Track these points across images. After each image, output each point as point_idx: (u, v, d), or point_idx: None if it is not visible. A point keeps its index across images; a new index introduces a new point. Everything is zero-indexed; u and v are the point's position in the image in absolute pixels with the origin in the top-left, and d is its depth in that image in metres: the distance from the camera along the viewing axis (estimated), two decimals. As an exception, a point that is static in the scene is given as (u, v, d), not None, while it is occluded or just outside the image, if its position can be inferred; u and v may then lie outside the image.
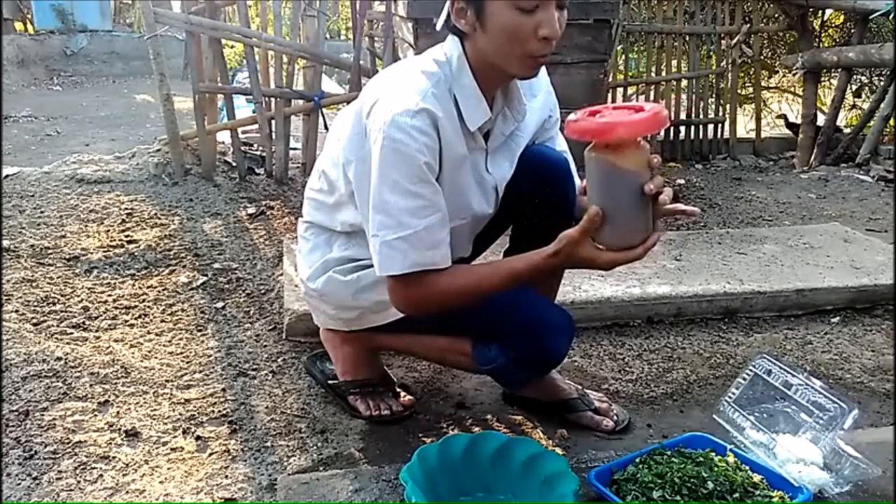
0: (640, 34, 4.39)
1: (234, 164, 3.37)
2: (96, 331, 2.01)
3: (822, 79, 4.85)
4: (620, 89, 4.44)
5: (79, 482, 1.41)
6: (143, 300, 2.20)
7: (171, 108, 3.16)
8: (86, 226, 2.72)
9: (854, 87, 5.07)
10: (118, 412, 1.64)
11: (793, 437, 1.38)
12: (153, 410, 1.65)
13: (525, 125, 1.47)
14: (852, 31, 4.50)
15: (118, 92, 8.05)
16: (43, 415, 1.60)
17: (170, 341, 1.98)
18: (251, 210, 2.99)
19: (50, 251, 2.48)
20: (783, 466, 1.33)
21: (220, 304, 2.20)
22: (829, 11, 4.82)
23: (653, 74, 4.37)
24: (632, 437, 1.60)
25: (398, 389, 1.70)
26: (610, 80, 4.06)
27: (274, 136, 3.33)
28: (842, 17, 5.02)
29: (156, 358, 1.88)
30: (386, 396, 1.66)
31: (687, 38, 4.39)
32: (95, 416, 1.62)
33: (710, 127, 4.53)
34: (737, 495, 1.26)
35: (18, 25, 9.50)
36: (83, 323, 2.04)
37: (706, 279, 2.26)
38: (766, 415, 1.47)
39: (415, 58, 1.42)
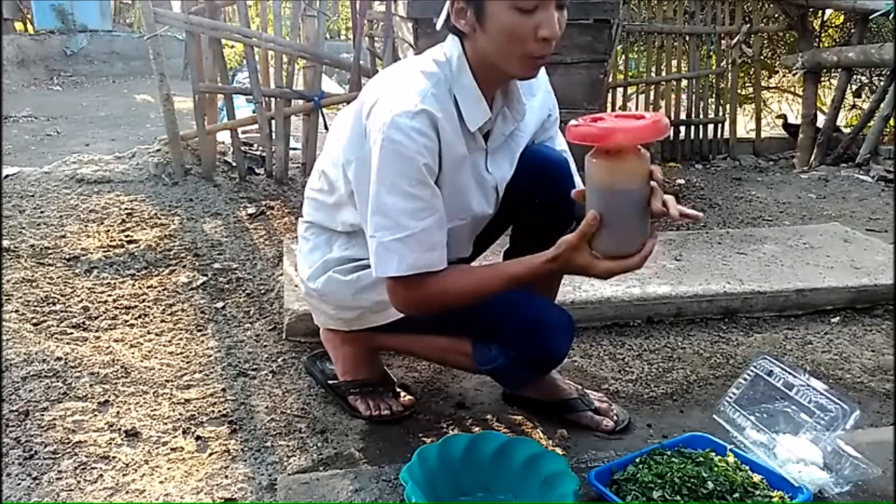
0: (640, 34, 4.39)
1: (234, 164, 3.37)
2: (96, 331, 2.01)
3: (822, 79, 4.85)
4: (620, 89, 4.44)
5: (79, 482, 1.41)
6: (143, 300, 2.20)
7: (171, 108, 3.16)
8: (86, 226, 2.72)
9: (854, 87, 5.07)
10: (118, 412, 1.64)
11: (793, 437, 1.38)
12: (153, 410, 1.65)
13: (525, 125, 1.47)
14: (852, 31, 4.50)
15: (118, 92, 8.05)
16: (43, 415, 1.60)
17: (170, 341, 1.98)
18: (251, 210, 2.99)
19: (50, 251, 2.48)
20: (783, 466, 1.33)
21: (220, 304, 2.20)
22: (829, 11, 4.82)
23: (653, 74, 4.37)
24: (632, 437, 1.60)
25: (398, 389, 1.70)
26: (610, 80, 4.07)
27: (274, 136, 3.33)
28: (842, 17, 5.03)
29: (156, 358, 1.88)
30: (386, 396, 1.66)
31: (687, 38, 4.39)
32: (95, 416, 1.62)
33: (710, 127, 4.53)
34: (737, 495, 1.26)
35: (18, 25, 9.50)
36: (83, 323, 2.04)
37: (706, 279, 2.26)
38: (766, 415, 1.47)
39: (414, 58, 1.42)
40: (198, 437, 1.56)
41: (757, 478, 1.32)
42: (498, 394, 1.75)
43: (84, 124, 6.03)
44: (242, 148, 3.38)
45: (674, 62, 4.43)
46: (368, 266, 1.37)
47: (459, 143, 1.33)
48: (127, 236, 2.63)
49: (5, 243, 2.47)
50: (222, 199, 3.06)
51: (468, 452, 1.35)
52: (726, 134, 4.57)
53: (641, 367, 1.92)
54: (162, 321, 2.09)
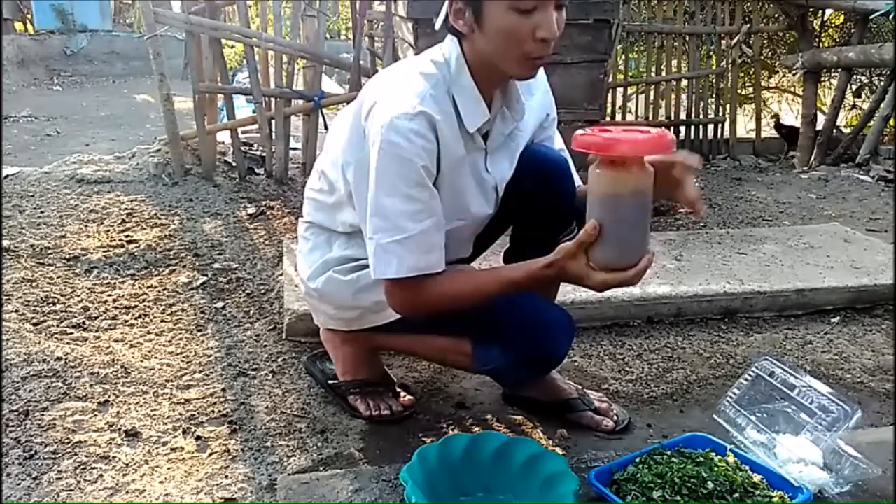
0: (640, 34, 4.40)
1: (234, 164, 3.37)
2: (96, 331, 2.01)
3: (822, 79, 4.85)
4: (620, 89, 4.44)
5: (79, 482, 1.41)
6: (143, 300, 2.20)
7: (171, 108, 3.16)
8: (86, 226, 2.72)
9: (854, 87, 5.07)
10: (118, 412, 1.64)
11: (793, 437, 1.38)
12: (153, 410, 1.65)
13: (524, 124, 1.47)
14: (852, 31, 4.50)
15: (118, 92, 8.06)
16: (43, 415, 1.60)
17: (170, 341, 1.98)
18: (251, 210, 2.99)
19: (50, 251, 2.48)
20: (783, 466, 1.33)
21: (220, 304, 2.20)
22: (829, 11, 4.82)
23: (653, 74, 4.37)
24: (632, 437, 1.60)
25: (398, 389, 1.70)
26: (610, 80, 4.07)
27: (274, 136, 3.33)
28: (842, 17, 5.03)
29: (156, 358, 1.88)
30: (386, 396, 1.66)
31: (687, 38, 4.39)
32: (95, 416, 1.62)
33: (710, 127, 4.53)
34: (737, 495, 1.26)
35: (18, 25, 9.50)
36: (83, 323, 2.04)
37: (706, 279, 2.26)
38: (766, 415, 1.47)
39: (413, 59, 1.42)
40: (198, 437, 1.56)
41: (757, 478, 1.32)
42: (498, 394, 1.75)
43: (84, 124, 6.03)
44: (242, 148, 3.38)
45: (674, 62, 4.43)
46: (368, 266, 1.37)
47: (458, 145, 1.33)
48: (127, 236, 2.63)
49: (5, 243, 2.47)
50: (222, 199, 3.07)
51: (468, 452, 1.35)
52: (726, 134, 4.57)
53: (641, 367, 1.92)
54: (162, 321, 2.09)
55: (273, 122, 3.32)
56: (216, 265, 2.46)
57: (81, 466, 1.45)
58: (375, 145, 1.26)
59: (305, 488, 1.34)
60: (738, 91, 4.76)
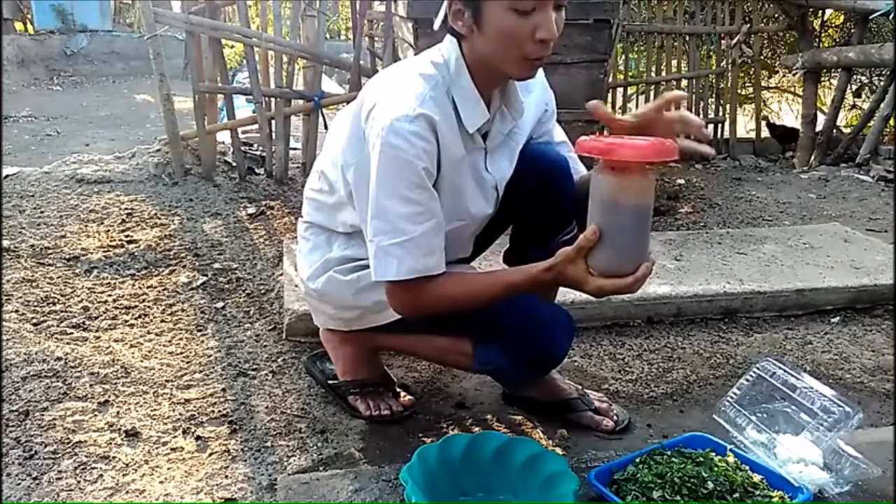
0: (640, 34, 4.39)
1: (234, 164, 3.37)
2: (96, 331, 2.01)
3: (822, 79, 4.85)
4: (620, 89, 4.44)
5: (79, 482, 1.41)
6: (143, 300, 2.20)
7: (171, 108, 3.16)
8: (86, 226, 2.72)
9: (854, 87, 5.07)
10: (118, 412, 1.64)
11: (793, 437, 1.38)
12: (153, 410, 1.65)
13: (523, 122, 1.47)
14: (852, 31, 4.50)
15: (118, 92, 8.05)
16: (43, 415, 1.60)
17: (170, 341, 1.98)
18: (251, 210, 2.99)
19: (50, 251, 2.48)
20: (783, 466, 1.33)
21: (220, 304, 2.20)
22: (829, 11, 4.82)
23: (653, 74, 4.37)
24: (632, 437, 1.60)
25: (398, 389, 1.70)
26: (610, 80, 4.06)
27: (274, 136, 3.33)
28: (842, 17, 5.03)
29: (156, 358, 1.88)
30: (386, 396, 1.66)
31: (687, 38, 4.39)
32: (95, 416, 1.62)
33: (710, 127, 4.52)
34: (737, 495, 1.26)
35: (18, 25, 9.49)
36: (83, 323, 2.04)
37: (706, 279, 2.26)
38: (766, 415, 1.47)
39: (412, 59, 1.42)
40: (198, 437, 1.56)
41: (757, 478, 1.32)
42: (498, 394, 1.75)
43: (84, 124, 6.03)
44: (242, 148, 3.38)
45: (674, 62, 4.43)
46: (368, 266, 1.37)
47: (458, 145, 1.33)
48: (127, 236, 2.63)
49: (5, 243, 2.47)
50: (222, 199, 3.07)
51: (468, 452, 1.35)
52: (726, 134, 4.56)
53: (641, 367, 1.92)
54: (162, 321, 2.09)
55: (273, 122, 3.32)
56: (216, 265, 2.46)
57: (81, 466, 1.45)
58: (376, 148, 1.26)
59: (305, 488, 1.34)
60: (738, 91, 4.76)
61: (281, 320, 2.05)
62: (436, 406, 1.71)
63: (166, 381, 1.77)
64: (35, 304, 2.12)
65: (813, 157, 4.34)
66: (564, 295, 1.98)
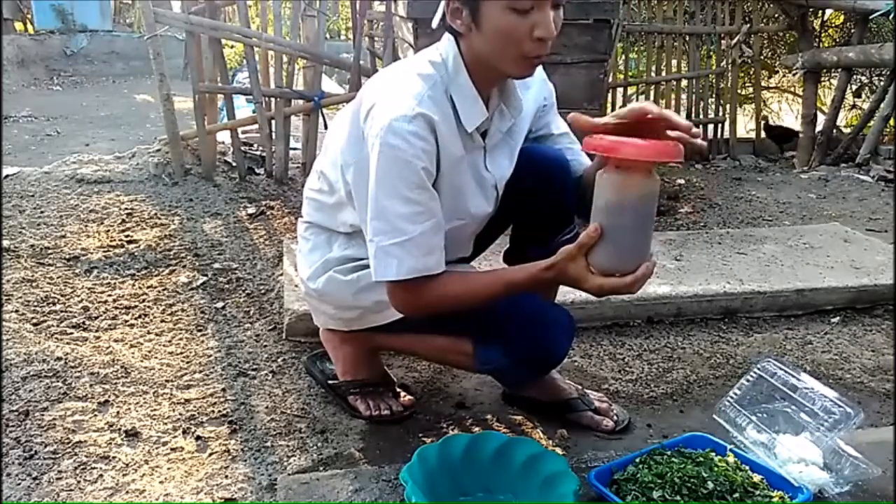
0: (640, 34, 4.39)
1: (234, 164, 3.37)
2: (96, 331, 2.01)
3: (822, 79, 4.85)
4: (620, 89, 4.44)
5: (79, 482, 1.41)
6: (143, 300, 2.20)
7: (171, 108, 3.16)
8: (86, 226, 2.72)
9: (854, 87, 5.07)
10: (118, 412, 1.64)
11: (793, 437, 1.38)
12: (153, 410, 1.65)
13: (522, 119, 1.47)
14: (852, 31, 4.50)
15: (118, 92, 8.05)
16: (43, 415, 1.60)
17: (170, 341, 1.98)
18: (251, 210, 2.99)
19: (50, 251, 2.48)
20: (783, 466, 1.33)
21: (220, 304, 2.20)
22: (829, 11, 4.82)
23: (653, 74, 4.37)
24: (632, 437, 1.60)
25: (398, 389, 1.70)
26: (610, 80, 4.06)
27: (274, 136, 3.33)
28: (842, 17, 5.03)
29: (156, 358, 1.88)
30: (386, 396, 1.66)
31: (687, 38, 4.39)
32: (95, 416, 1.62)
33: (710, 127, 4.53)
34: (737, 495, 1.26)
35: (18, 25, 9.49)
36: (83, 323, 2.04)
37: (706, 279, 2.26)
38: (766, 415, 1.47)
39: (410, 59, 1.42)
40: (198, 437, 1.56)
41: (757, 478, 1.32)
42: (498, 394, 1.75)
43: (84, 124, 6.03)
44: (242, 148, 3.38)
45: (674, 62, 4.43)
46: (368, 266, 1.37)
47: (457, 144, 1.33)
48: (127, 236, 2.63)
49: (5, 243, 2.47)
50: (222, 199, 3.07)
51: (468, 452, 1.35)
52: (726, 134, 4.56)
53: (641, 367, 1.92)
54: (162, 321, 2.09)
55: (273, 122, 3.31)
56: (216, 265, 2.46)
57: (81, 466, 1.45)
58: (375, 148, 1.26)
59: (305, 488, 1.34)
60: (738, 91, 4.76)
61: (281, 320, 2.05)
62: (436, 406, 1.71)
63: (166, 381, 1.77)
64: (35, 304, 2.12)
65: (813, 157, 4.34)
66: (564, 295, 1.98)
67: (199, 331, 2.04)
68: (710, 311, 2.19)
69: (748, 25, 4.44)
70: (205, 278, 2.35)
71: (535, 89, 1.50)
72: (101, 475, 1.43)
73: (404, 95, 1.28)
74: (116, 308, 2.14)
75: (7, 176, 3.12)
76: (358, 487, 1.33)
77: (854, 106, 5.28)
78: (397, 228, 1.27)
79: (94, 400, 1.68)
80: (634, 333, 2.10)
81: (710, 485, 1.26)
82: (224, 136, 3.51)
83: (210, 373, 1.82)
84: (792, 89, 5.68)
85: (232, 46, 5.15)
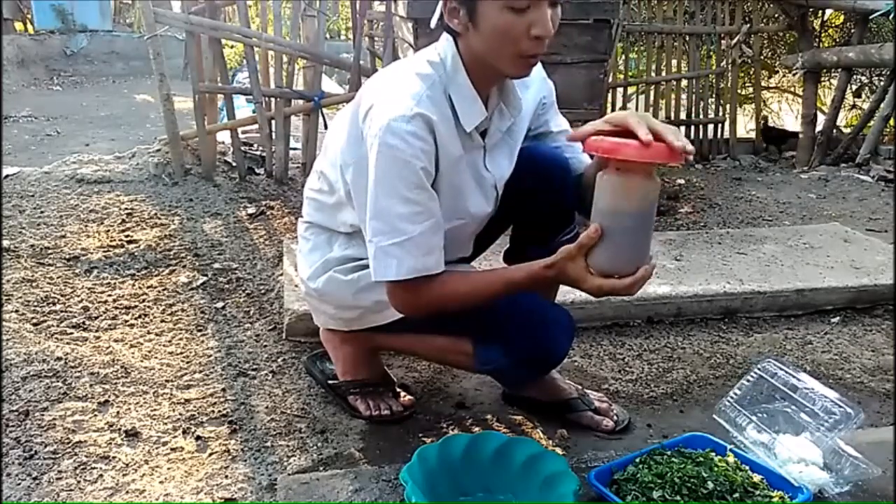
0: (640, 34, 4.39)
1: (234, 164, 3.37)
2: (96, 331, 2.01)
3: (822, 79, 4.85)
4: (620, 89, 4.44)
5: (79, 482, 1.41)
6: (143, 300, 2.20)
7: (171, 108, 3.16)
8: (86, 226, 2.72)
9: (854, 87, 5.07)
10: (118, 412, 1.64)
11: (793, 437, 1.38)
12: (153, 410, 1.65)
13: (521, 118, 1.47)
14: (852, 31, 4.50)
15: (118, 92, 8.05)
16: (43, 415, 1.60)
17: (170, 341, 1.98)
18: (251, 210, 2.99)
19: (50, 251, 2.48)
20: (783, 466, 1.33)
21: (220, 304, 2.20)
22: (829, 11, 4.82)
23: (653, 74, 4.37)
24: (632, 437, 1.60)
25: (398, 389, 1.70)
26: (610, 80, 4.06)
27: (274, 136, 3.33)
28: (842, 17, 5.03)
29: (156, 358, 1.88)
30: (386, 396, 1.66)
31: (687, 38, 4.39)
32: (95, 416, 1.62)
33: (710, 127, 4.53)
34: (737, 495, 1.26)
35: (18, 25, 9.50)
36: (83, 323, 2.04)
37: (706, 279, 2.26)
38: (766, 415, 1.47)
39: (409, 59, 1.42)
40: (198, 437, 1.56)
41: (757, 478, 1.32)
42: (498, 394, 1.75)
43: (84, 124, 6.03)
44: (242, 148, 3.38)
45: (674, 62, 4.43)
46: (369, 266, 1.37)
47: (456, 144, 1.33)
48: (127, 236, 2.63)
49: (5, 243, 2.47)
50: (222, 199, 3.06)
51: (468, 452, 1.35)
52: (726, 134, 4.57)
53: (641, 367, 1.92)
54: (162, 321, 2.09)
55: (273, 122, 3.32)
56: (216, 265, 2.46)
57: (81, 466, 1.45)
58: (373, 148, 1.26)
59: (305, 488, 1.34)
60: (738, 91, 4.76)
61: (281, 320, 2.05)
62: (436, 406, 1.71)
63: (166, 381, 1.77)
64: (35, 304, 2.12)
65: (813, 157, 4.34)
66: (564, 295, 1.98)
67: (199, 331, 2.04)
68: (710, 311, 2.19)
69: (748, 25, 4.44)
70: (205, 278, 2.35)
71: (535, 88, 1.50)
72: (101, 475, 1.43)
73: (403, 96, 1.28)
74: (116, 308, 2.14)
75: (7, 176, 3.12)
76: (358, 487, 1.34)
77: (854, 106, 5.28)
78: (396, 229, 1.27)
79: (94, 400, 1.68)
80: (634, 333, 2.10)
81: (710, 485, 1.26)
82: (224, 136, 3.51)
83: (210, 373, 1.82)
84: (792, 89, 5.68)
85: (232, 46, 5.15)
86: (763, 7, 4.74)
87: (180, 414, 1.64)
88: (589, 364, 1.92)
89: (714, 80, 4.48)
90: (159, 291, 2.26)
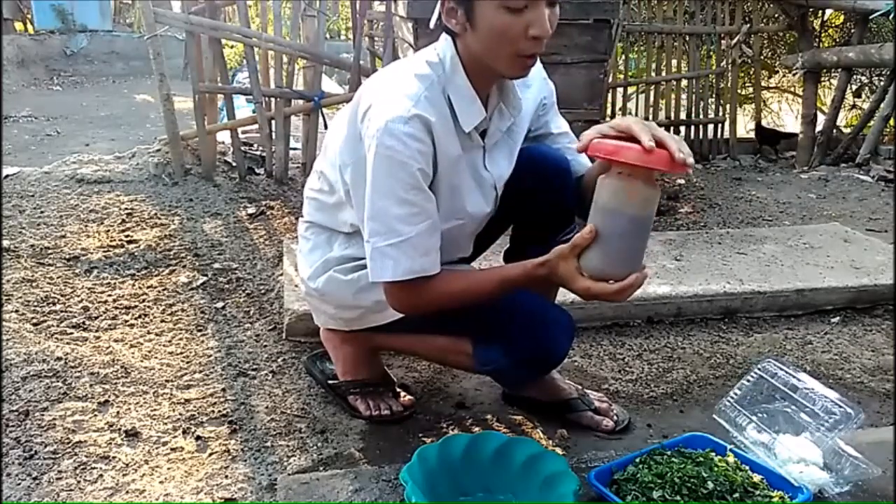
0: (640, 34, 4.39)
1: (234, 164, 3.37)
2: (96, 331, 2.01)
3: (822, 79, 4.85)
4: (620, 89, 4.44)
5: (79, 482, 1.41)
6: (143, 300, 2.20)
7: (171, 108, 3.16)
8: (86, 226, 2.72)
9: (854, 87, 5.07)
10: (118, 412, 1.64)
11: (793, 437, 1.38)
12: (153, 410, 1.65)
13: (521, 118, 1.47)
14: (852, 31, 4.50)
15: (118, 92, 8.05)
16: (43, 415, 1.60)
17: (170, 341, 1.98)
18: (251, 210, 2.99)
19: (50, 251, 2.48)
20: (783, 466, 1.33)
21: (220, 304, 2.20)
22: (829, 11, 4.82)
23: (653, 74, 4.37)
24: (632, 437, 1.60)
25: (398, 389, 1.70)
26: (610, 80, 4.07)
27: (274, 136, 3.33)
28: (842, 17, 5.03)
29: (156, 358, 1.88)
30: (386, 396, 1.66)
31: (687, 38, 4.39)
32: (95, 416, 1.62)
33: (710, 127, 4.53)
34: (737, 495, 1.26)
35: (18, 25, 9.50)
36: (83, 323, 2.04)
37: (706, 279, 2.26)
38: (766, 415, 1.47)
39: (408, 59, 1.42)
40: (198, 437, 1.56)
41: (757, 478, 1.32)
42: (498, 394, 1.75)
43: (84, 124, 6.03)
44: (242, 148, 3.38)
45: (674, 62, 4.43)
46: (368, 266, 1.37)
47: (455, 145, 1.33)
48: (127, 236, 2.63)
49: (5, 243, 2.47)
50: (222, 199, 3.06)
51: (468, 452, 1.35)
52: (726, 134, 4.56)
53: (641, 367, 1.92)
54: (162, 321, 2.09)
55: (273, 122, 3.31)
56: (216, 265, 2.46)
57: (81, 466, 1.45)
58: (371, 149, 1.26)
59: (305, 488, 1.34)
60: (738, 91, 4.76)
61: (281, 320, 2.05)
62: (436, 406, 1.71)
63: (166, 381, 1.77)
64: (35, 304, 2.12)
65: (813, 157, 4.34)
66: (564, 295, 1.97)
67: (199, 331, 2.04)
68: (710, 311, 2.19)
69: (748, 25, 4.44)
70: (205, 278, 2.35)
71: (536, 88, 1.50)
72: (101, 475, 1.43)
73: (400, 96, 1.28)
74: (116, 308, 2.14)
75: (7, 176, 3.12)
76: (358, 487, 1.34)
77: (854, 106, 5.28)
78: (393, 229, 1.27)
79: (94, 400, 1.68)
80: (634, 333, 2.10)
81: (710, 485, 1.26)
82: (224, 136, 3.51)
83: (210, 373, 1.82)
84: (792, 89, 5.68)
85: (232, 46, 5.15)
86: (763, 7, 4.74)
87: (180, 414, 1.64)
88: (589, 364, 1.92)
89: (714, 80, 4.48)
90: (159, 291, 2.26)
